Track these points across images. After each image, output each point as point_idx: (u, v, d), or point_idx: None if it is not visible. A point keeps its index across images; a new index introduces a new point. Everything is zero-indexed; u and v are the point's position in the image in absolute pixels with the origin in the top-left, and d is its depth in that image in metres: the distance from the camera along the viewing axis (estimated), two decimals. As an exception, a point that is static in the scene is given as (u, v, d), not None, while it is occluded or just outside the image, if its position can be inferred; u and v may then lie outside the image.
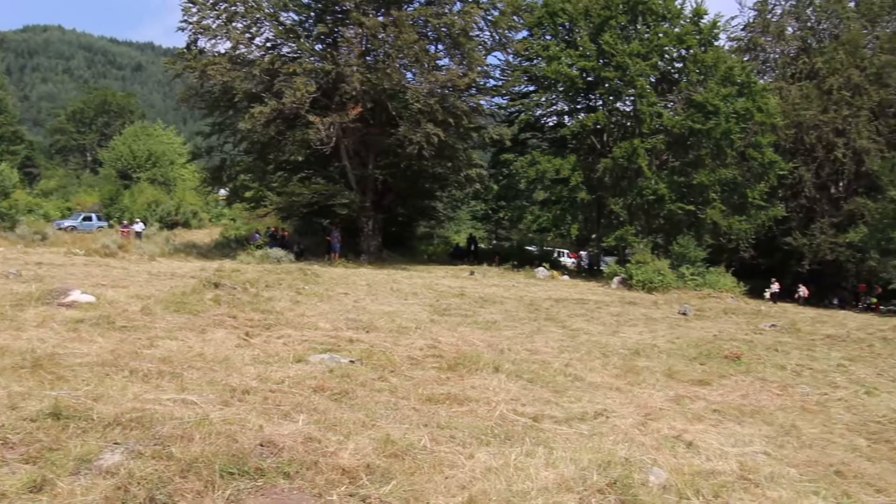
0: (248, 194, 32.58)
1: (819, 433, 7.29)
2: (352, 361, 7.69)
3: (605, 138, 32.37)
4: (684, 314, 17.90)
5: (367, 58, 25.63)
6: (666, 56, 31.72)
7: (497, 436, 5.57)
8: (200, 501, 3.63)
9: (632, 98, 30.32)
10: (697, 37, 31.09)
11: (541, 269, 28.87)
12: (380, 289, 16.89)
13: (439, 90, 25.39)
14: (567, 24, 31.65)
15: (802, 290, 32.05)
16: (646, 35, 30.86)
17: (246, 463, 4.07)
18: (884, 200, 31.79)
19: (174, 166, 68.36)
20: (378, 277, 20.44)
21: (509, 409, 6.48)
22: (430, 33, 26.55)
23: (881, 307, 33.07)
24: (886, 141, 35.02)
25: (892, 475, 6.08)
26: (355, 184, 27.37)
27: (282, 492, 3.89)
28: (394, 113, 25.42)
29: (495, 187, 34.60)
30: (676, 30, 31.23)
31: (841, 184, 36.42)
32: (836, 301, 34.76)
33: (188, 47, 27.05)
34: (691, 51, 31.08)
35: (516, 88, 33.55)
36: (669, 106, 31.83)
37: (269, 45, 27.47)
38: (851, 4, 37.45)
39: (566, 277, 28.81)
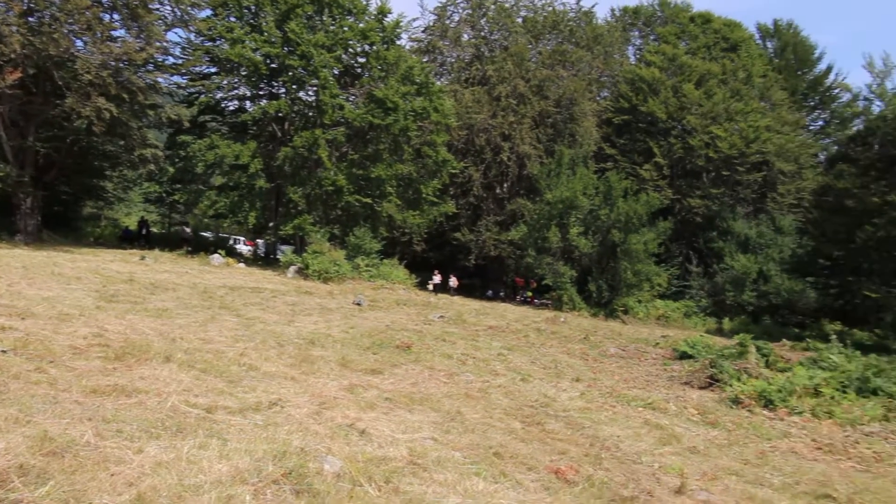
0: None
1: (481, 418, 8.85)
2: (3, 351, 7.74)
3: (286, 127, 36.93)
4: (359, 304, 21.02)
5: (31, 18, 26.65)
6: (350, 50, 37.15)
7: (168, 428, 6.03)
8: None
9: (315, 88, 35.08)
10: (381, 34, 36.93)
11: (216, 255, 31.80)
12: (38, 272, 17.06)
13: (113, 63, 27.41)
14: (253, 7, 35.58)
15: (452, 281, 38.80)
16: (331, 27, 35.87)
17: None
18: (541, 202, 40.18)
19: None
20: (36, 260, 20.67)
21: (181, 401, 6.97)
22: (105, 1, 28.25)
23: (535, 300, 41.25)
24: (545, 148, 44.31)
25: (542, 454, 7.57)
26: (11, 156, 28.10)
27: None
28: (60, 83, 26.85)
29: (171, 169, 37.42)
30: (361, 25, 36.80)
31: (505, 185, 45.21)
32: (490, 293, 42.82)
33: None
34: (374, 47, 36.81)
35: (197, 69, 36.77)
36: (351, 99, 37.30)
37: None
38: (519, 20, 46.31)
39: (242, 265, 32.18)
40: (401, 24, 38.60)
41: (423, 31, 47.67)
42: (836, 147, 55.20)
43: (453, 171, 40.55)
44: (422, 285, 35.83)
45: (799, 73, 62.65)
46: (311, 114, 35.81)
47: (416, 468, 6.06)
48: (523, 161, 44.24)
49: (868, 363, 18.55)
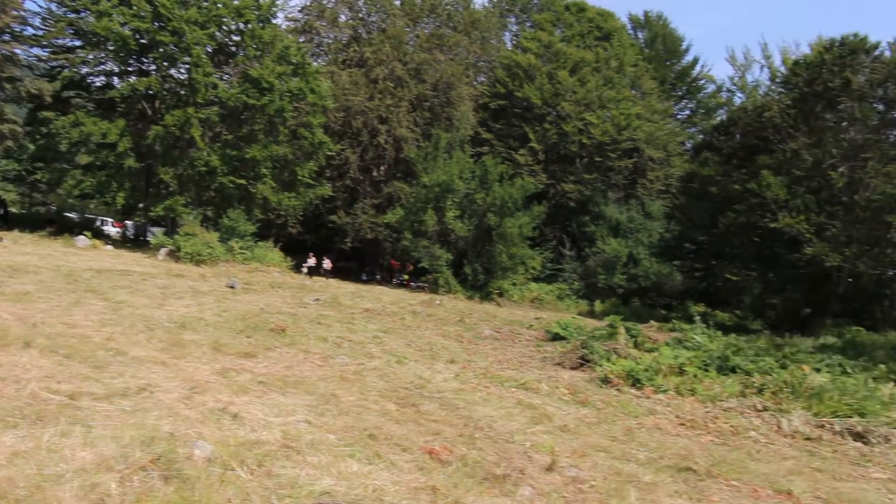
0: None
1: (356, 400, 9.06)
2: None
3: (157, 105, 36.94)
4: (232, 287, 21.47)
5: None
6: (224, 27, 37.51)
7: (27, 416, 5.98)
8: None
9: (187, 66, 35.18)
10: (256, 12, 37.39)
11: (81, 237, 31.60)
12: None
13: (-35, 32, 26.78)
14: (121, -22, 34.69)
15: (326, 264, 39.61)
16: (205, 3, 35.99)
17: None
18: (417, 186, 41.48)
19: None
20: None
21: (42, 388, 6.93)
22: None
23: (412, 283, 42.55)
24: (422, 131, 45.73)
25: (416, 435, 7.78)
26: None
27: None
28: None
29: (32, 147, 36.52)
30: (236, 2, 37.14)
31: (382, 168, 46.51)
32: (365, 276, 43.99)
33: None
34: (249, 25, 37.27)
35: (59, 41, 36.03)
36: (225, 78, 37.53)
37: None
38: (397, 2, 47.53)
39: (110, 247, 32.26)
40: (277, 2, 39.06)
41: (299, 11, 48.44)
42: (701, 136, 59.46)
43: (330, 154, 41.42)
44: (297, 268, 36.57)
45: (667, 63, 66.82)
46: (183, 92, 35.82)
47: (289, 451, 6.20)
48: (400, 144, 45.59)
49: (728, 343, 20.84)
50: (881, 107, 38.74)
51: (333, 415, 8.08)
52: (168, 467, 5.23)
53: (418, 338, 17.47)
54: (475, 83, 53.71)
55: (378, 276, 46.77)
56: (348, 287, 31.39)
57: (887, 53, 38.52)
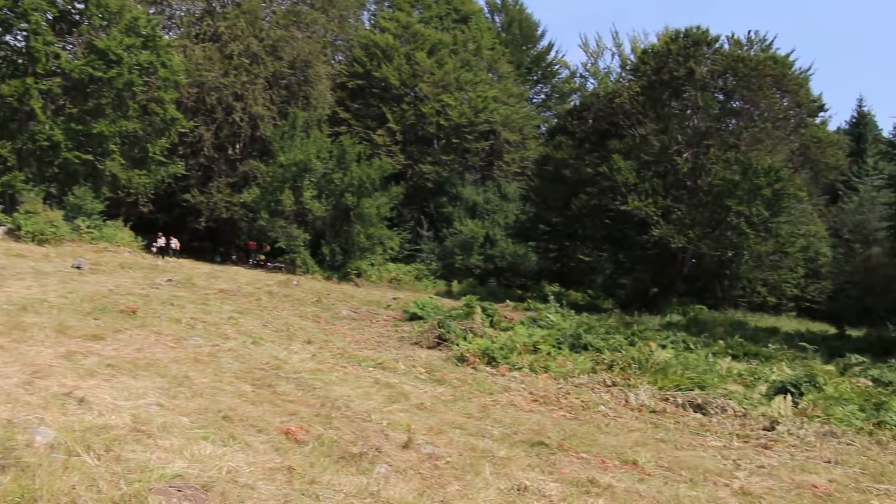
0: None
1: (210, 382, 8.95)
2: None
3: (-9, 74, 34.43)
4: (79, 268, 20.85)
5: None
6: (66, -6, 35.31)
7: None
8: None
9: (25, 33, 33.11)
10: (101, -21, 35.46)
11: None
12: None
13: None
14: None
15: (174, 243, 38.64)
16: (44, -33, 33.87)
17: None
18: (274, 165, 41.15)
19: None
20: None
21: None
22: None
23: (269, 264, 42.25)
24: (279, 109, 45.26)
25: (272, 416, 7.86)
26: None
27: None
28: None
29: None
30: (79, -33, 35.02)
31: (238, 146, 45.76)
32: (218, 258, 43.35)
33: None
34: (94, -7, 35.32)
35: None
36: (69, 48, 35.65)
37: None
38: (252, -24, 46.70)
39: (-60, 226, 30.19)
40: (124, -31, 37.52)
41: (149, -20, 46.46)
42: (555, 120, 61.53)
43: (183, 130, 40.42)
44: (149, 248, 35.63)
45: (524, 48, 68.74)
46: (21, 61, 34.02)
47: (139, 435, 6.04)
48: (256, 122, 45.00)
49: (581, 321, 22.10)
50: (721, 97, 41.56)
51: (186, 397, 7.98)
52: (5, 455, 5.01)
53: (275, 318, 17.48)
54: (333, 62, 53.52)
55: (234, 257, 46.04)
56: (203, 268, 30.85)
57: (726, 47, 41.29)
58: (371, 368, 12.67)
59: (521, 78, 64.43)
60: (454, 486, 6.53)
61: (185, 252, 39.00)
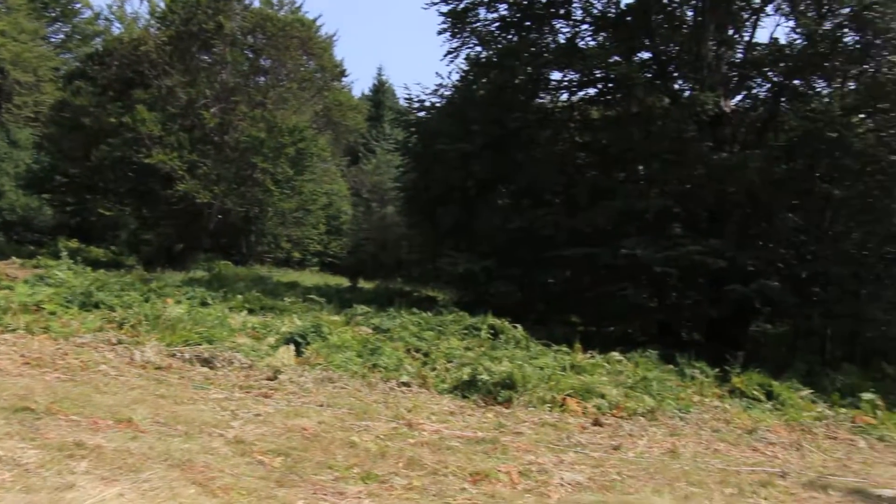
0: None
1: None
2: None
3: None
4: None
5: None
6: None
7: None
8: None
9: None
10: None
11: None
12: None
13: None
14: None
15: None
16: None
17: None
18: None
19: None
20: None
21: None
22: None
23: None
24: None
25: None
26: None
27: None
28: None
29: None
30: None
31: None
32: None
33: None
34: None
35: None
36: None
37: None
38: None
39: None
40: None
41: None
42: (76, 63, 57.39)
43: None
44: None
45: (39, -20, 62.68)
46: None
47: None
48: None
49: (95, 278, 21.04)
50: (251, 54, 42.55)
51: None
52: None
53: None
54: None
55: None
56: None
57: (257, 4, 42.34)
58: None
59: (35, 13, 58.72)
60: None
61: None
